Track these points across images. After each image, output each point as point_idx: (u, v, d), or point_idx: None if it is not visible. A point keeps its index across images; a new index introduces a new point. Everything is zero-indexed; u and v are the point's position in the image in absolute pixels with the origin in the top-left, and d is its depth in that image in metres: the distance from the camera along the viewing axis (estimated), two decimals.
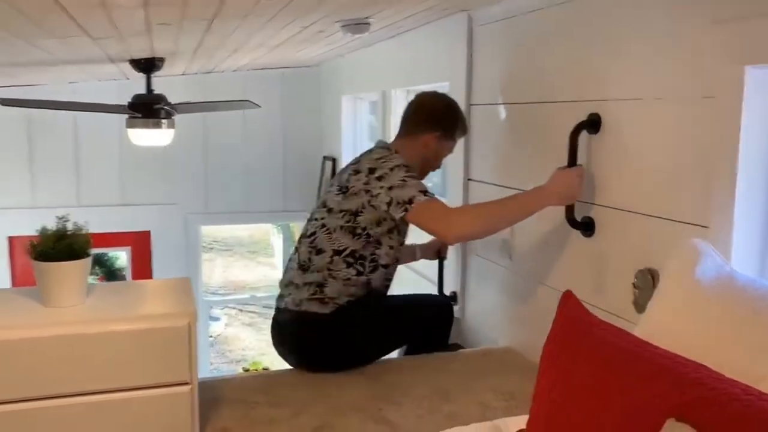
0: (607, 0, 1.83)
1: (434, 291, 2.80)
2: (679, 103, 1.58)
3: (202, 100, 4.04)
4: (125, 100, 3.64)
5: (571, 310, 1.23)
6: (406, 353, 2.40)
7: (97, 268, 6.88)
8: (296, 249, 2.29)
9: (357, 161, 2.23)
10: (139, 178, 4.88)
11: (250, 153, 5.07)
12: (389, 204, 2.03)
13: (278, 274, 11.67)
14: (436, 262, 2.76)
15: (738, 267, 1.32)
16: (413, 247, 2.67)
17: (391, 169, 2.07)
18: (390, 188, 2.04)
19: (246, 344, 10.14)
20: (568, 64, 2.00)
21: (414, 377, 2.10)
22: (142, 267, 4.98)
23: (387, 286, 2.28)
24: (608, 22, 1.82)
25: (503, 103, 2.39)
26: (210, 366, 6.36)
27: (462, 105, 2.61)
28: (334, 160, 4.74)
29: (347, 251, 2.13)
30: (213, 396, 1.93)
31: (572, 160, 1.88)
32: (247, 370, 5.85)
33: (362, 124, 4.48)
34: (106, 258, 6.90)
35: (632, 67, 1.73)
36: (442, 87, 3.03)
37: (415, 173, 2.12)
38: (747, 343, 1.09)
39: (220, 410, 1.85)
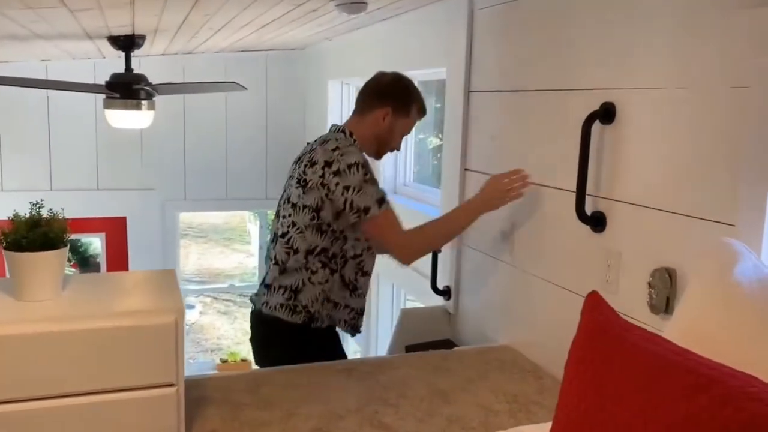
0: None
1: (427, 285, 2.70)
2: (705, 94, 1.49)
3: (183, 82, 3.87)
4: (101, 80, 3.47)
5: (599, 313, 1.14)
6: (406, 351, 2.31)
7: (69, 254, 6.67)
8: (271, 247, 2.26)
9: (312, 149, 2.16)
10: (115, 162, 4.70)
11: (231, 138, 4.92)
12: (345, 203, 2.05)
13: (254, 261, 11.55)
14: (430, 256, 2.66)
15: None
16: None
17: (349, 167, 2.05)
18: (346, 188, 2.04)
19: (221, 333, 9.99)
20: (579, 50, 1.90)
21: (410, 376, 2.00)
22: (118, 254, 4.82)
23: (364, 277, 2.22)
24: (625, 4, 1.72)
25: (505, 91, 2.28)
26: (186, 355, 6.21)
27: (460, 91, 2.51)
28: None
29: (318, 249, 2.11)
30: (198, 396, 1.81)
31: (584, 151, 1.78)
32: (224, 362, 5.71)
33: (349, 109, 4.34)
34: (79, 244, 6.69)
35: (652, 54, 1.64)
36: (438, 72, 2.93)
37: (369, 171, 2.09)
38: None
39: (206, 412, 1.73)
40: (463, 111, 2.51)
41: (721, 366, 0.95)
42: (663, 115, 1.61)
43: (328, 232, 2.10)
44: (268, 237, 2.34)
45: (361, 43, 3.73)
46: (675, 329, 1.19)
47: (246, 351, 8.47)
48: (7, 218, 1.54)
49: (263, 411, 1.75)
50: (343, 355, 2.27)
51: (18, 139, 4.52)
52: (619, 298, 1.74)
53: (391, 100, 2.22)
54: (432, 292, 2.70)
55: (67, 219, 1.58)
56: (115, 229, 4.83)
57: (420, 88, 3.36)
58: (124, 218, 4.80)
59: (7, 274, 1.54)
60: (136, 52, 3.45)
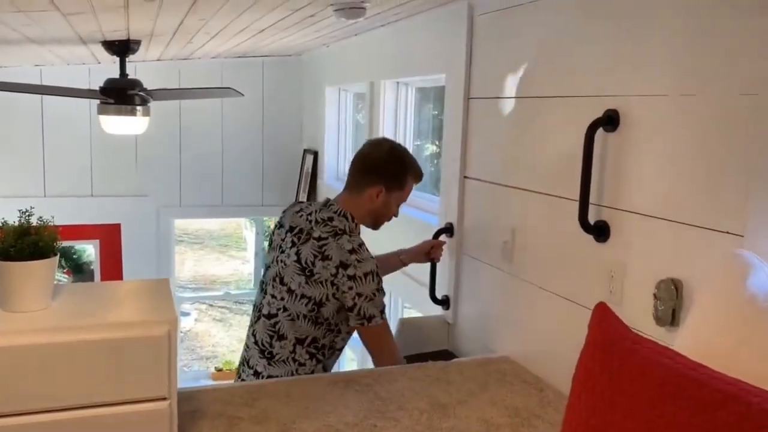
0: None
1: (426, 294, 2.66)
2: (713, 101, 1.45)
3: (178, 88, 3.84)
4: (96, 85, 3.42)
5: (608, 325, 1.10)
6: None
7: (63, 261, 6.60)
8: (253, 320, 2.24)
9: (320, 240, 2.12)
10: (109, 168, 4.66)
11: (227, 144, 4.88)
12: (354, 307, 2.09)
13: (250, 268, 11.45)
14: (428, 265, 2.62)
15: None
16: (397, 255, 2.57)
17: (365, 275, 2.08)
18: (359, 294, 2.08)
19: (216, 340, 9.92)
20: (582, 57, 1.87)
21: (408, 388, 1.96)
22: (112, 261, 4.76)
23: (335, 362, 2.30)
24: (630, 9, 1.69)
25: (506, 97, 2.25)
26: (180, 363, 6.16)
27: (460, 98, 2.48)
28: (315, 153, 4.57)
29: (309, 340, 2.13)
30: (192, 409, 1.76)
31: (587, 159, 1.74)
32: (219, 370, 5.65)
33: (347, 116, 4.32)
34: (73, 251, 6.63)
35: (656, 60, 1.60)
36: (437, 79, 2.90)
37: (381, 279, 2.14)
38: None
39: (199, 427, 1.68)
40: (462, 118, 2.48)
41: (737, 381, 0.91)
42: (668, 122, 1.58)
43: (324, 324, 2.12)
44: (256, 297, 2.32)
45: (358, 49, 3.70)
46: (685, 343, 1.15)
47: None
48: None
49: (259, 425, 1.70)
50: None
51: (11, 145, 4.47)
52: (623, 310, 1.70)
53: (384, 177, 2.22)
54: (430, 302, 2.66)
55: (58, 226, 1.53)
56: (110, 236, 4.78)
57: (417, 95, 3.37)
58: (119, 225, 4.75)
59: None
60: (131, 58, 3.41)
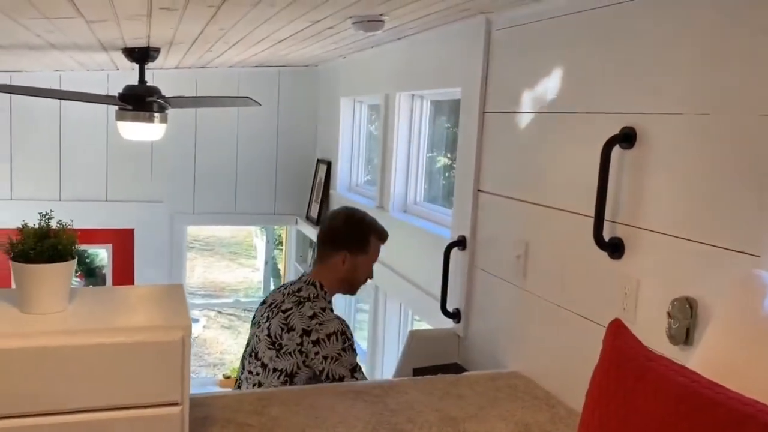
0: (646, 1, 1.71)
1: (436, 307, 2.66)
2: (729, 120, 1.46)
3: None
4: (115, 91, 3.46)
5: (623, 342, 1.09)
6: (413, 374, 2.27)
7: (76, 265, 6.64)
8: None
9: (287, 311, 2.17)
10: (124, 173, 4.70)
11: (241, 153, 4.91)
12: (322, 372, 2.11)
13: (260, 276, 11.47)
14: (440, 277, 2.62)
15: None
16: None
17: (328, 337, 2.12)
18: (325, 357, 2.11)
19: (224, 347, 9.93)
20: (599, 73, 1.88)
21: (418, 401, 1.95)
22: (124, 266, 4.80)
23: None
24: (648, 27, 1.70)
25: (522, 112, 2.26)
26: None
27: (476, 112, 2.49)
28: (329, 164, 4.59)
29: None
30: (202, 415, 1.76)
31: (603, 176, 1.75)
32: (227, 377, 5.65)
33: (361, 127, 4.34)
34: (86, 255, 6.67)
35: (674, 79, 1.61)
36: (453, 92, 2.91)
37: (348, 337, 2.15)
38: None
39: None
40: (477, 132, 2.49)
41: (755, 402, 0.91)
42: (685, 141, 1.58)
43: None
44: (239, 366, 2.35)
45: (375, 61, 3.72)
46: (701, 361, 1.14)
47: None
48: (16, 228, 1.51)
49: None
50: None
51: (29, 148, 4.53)
52: (636, 327, 1.68)
53: (346, 245, 2.29)
54: (440, 315, 2.65)
55: (77, 230, 1.55)
56: (123, 241, 4.81)
57: (431, 108, 3.39)
58: (132, 230, 4.78)
59: (13, 285, 1.51)
60: (149, 65, 3.45)
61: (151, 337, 1.46)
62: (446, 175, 3.41)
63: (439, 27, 2.76)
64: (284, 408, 1.86)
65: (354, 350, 2.17)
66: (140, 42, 3.00)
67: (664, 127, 1.63)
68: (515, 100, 2.29)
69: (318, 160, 4.85)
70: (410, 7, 2.21)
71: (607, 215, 1.78)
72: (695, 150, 1.55)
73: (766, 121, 1.36)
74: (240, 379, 2.31)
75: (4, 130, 4.46)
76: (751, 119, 1.40)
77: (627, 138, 1.73)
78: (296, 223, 5.02)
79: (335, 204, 4.47)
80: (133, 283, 4.65)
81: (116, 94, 3.40)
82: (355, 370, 2.14)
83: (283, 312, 2.19)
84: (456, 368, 2.54)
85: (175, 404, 1.47)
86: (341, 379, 2.11)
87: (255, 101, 3.26)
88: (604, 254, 1.81)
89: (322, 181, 4.65)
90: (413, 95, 3.38)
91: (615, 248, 1.78)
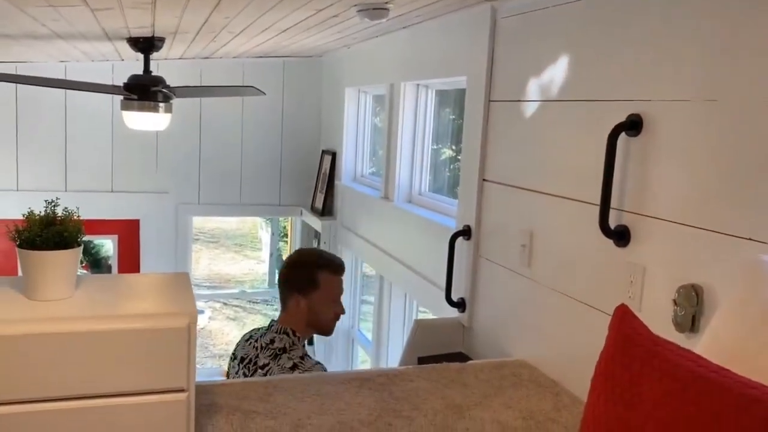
0: None
1: (441, 297, 2.66)
2: (738, 106, 1.45)
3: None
4: (120, 82, 3.46)
5: (628, 327, 1.09)
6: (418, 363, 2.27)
7: (82, 255, 6.67)
8: None
9: (264, 367, 2.17)
10: (130, 164, 4.71)
11: (246, 143, 4.91)
12: None
13: (265, 267, 11.49)
14: (444, 267, 2.62)
15: None
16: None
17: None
18: None
19: (230, 338, 9.97)
20: (605, 61, 1.87)
21: (423, 389, 1.96)
22: (129, 257, 4.81)
23: None
24: (654, 14, 1.68)
25: (527, 101, 2.25)
26: None
27: (481, 101, 2.48)
28: (333, 154, 4.59)
29: None
30: (208, 402, 1.77)
31: (609, 164, 1.74)
32: None
33: (365, 117, 4.33)
34: (91, 246, 6.70)
35: (681, 65, 1.60)
36: (458, 81, 2.90)
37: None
38: None
39: (216, 420, 1.69)
40: (483, 120, 2.48)
41: (761, 385, 0.90)
42: (691, 127, 1.57)
43: None
44: None
45: (379, 50, 3.71)
46: (707, 348, 1.14)
47: None
48: (21, 216, 1.52)
49: (274, 420, 1.71)
50: None
51: (35, 139, 4.54)
52: (642, 315, 1.67)
53: (294, 286, 2.29)
54: (445, 304, 2.65)
55: (82, 220, 1.55)
56: (128, 232, 4.82)
57: (436, 98, 3.37)
58: (137, 221, 4.79)
59: (20, 273, 1.52)
60: (154, 55, 3.45)
61: (158, 324, 1.46)
62: (451, 166, 3.41)
63: (444, 15, 2.74)
64: (290, 395, 1.86)
65: None
66: (145, 31, 2.99)
67: (671, 114, 1.63)
68: (521, 89, 2.27)
69: (323, 151, 4.85)
70: None
71: (613, 203, 1.77)
72: (702, 137, 1.54)
73: None
74: None
75: (9, 121, 4.47)
76: (757, 104, 1.39)
77: (633, 125, 1.72)
78: (301, 214, 5.02)
79: (340, 195, 4.48)
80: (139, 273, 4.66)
81: (121, 84, 3.40)
82: None
83: (261, 368, 2.18)
84: (461, 357, 2.54)
85: (181, 390, 1.48)
86: None
87: (260, 90, 3.26)
88: (610, 242, 1.80)
89: (327, 171, 4.64)
90: (418, 85, 3.37)
91: (621, 236, 1.77)
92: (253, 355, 2.24)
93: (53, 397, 1.40)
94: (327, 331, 2.37)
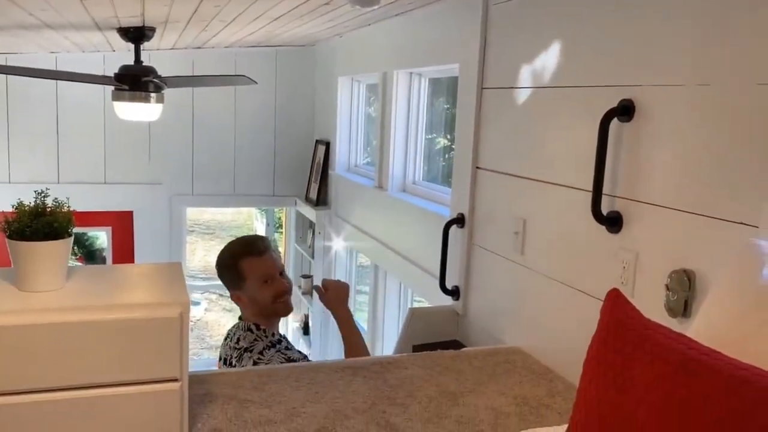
0: None
1: (435, 285, 2.66)
2: (729, 90, 1.44)
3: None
4: (110, 73, 3.44)
5: (620, 311, 1.09)
6: (413, 351, 2.27)
7: (75, 248, 6.65)
8: None
9: (235, 365, 2.19)
10: (123, 156, 4.68)
11: (239, 134, 4.89)
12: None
13: None
14: (439, 256, 2.62)
15: None
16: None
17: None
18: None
19: (225, 330, 9.96)
20: (597, 46, 1.86)
21: (417, 376, 1.96)
22: (124, 249, 4.80)
23: None
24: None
25: (520, 87, 2.24)
26: (190, 351, 6.18)
27: (474, 88, 2.48)
28: (327, 144, 4.57)
29: None
30: (203, 392, 1.77)
31: (601, 149, 1.74)
32: None
33: (359, 107, 4.31)
34: (85, 238, 6.68)
35: (672, 50, 1.59)
36: (450, 69, 2.89)
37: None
38: None
39: (210, 409, 1.69)
40: (475, 108, 2.47)
41: (751, 367, 0.90)
42: (683, 112, 1.57)
43: None
44: None
45: (372, 39, 3.69)
46: (700, 332, 1.14)
47: None
48: (11, 206, 1.51)
49: (268, 409, 1.71)
50: None
51: (26, 131, 4.50)
52: (634, 301, 1.67)
53: (229, 285, 2.30)
54: (440, 293, 2.66)
55: (72, 210, 1.54)
56: (122, 224, 4.81)
57: (429, 89, 3.36)
58: (131, 212, 4.77)
59: (11, 264, 1.51)
60: (145, 46, 3.42)
61: (150, 314, 1.46)
62: (446, 156, 3.40)
63: (436, 2, 2.73)
64: (284, 384, 1.86)
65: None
66: (135, 21, 2.97)
67: (664, 98, 1.62)
68: (513, 76, 2.27)
69: (317, 141, 4.83)
70: None
71: (606, 189, 1.77)
72: (694, 121, 1.54)
73: (764, 90, 1.35)
74: None
75: (0, 113, 4.44)
76: (749, 88, 1.39)
77: (625, 111, 1.72)
78: (295, 204, 5.01)
79: (334, 184, 4.47)
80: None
81: (112, 75, 3.37)
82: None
83: (232, 368, 2.19)
84: (455, 345, 2.55)
85: (175, 380, 1.48)
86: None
87: (251, 80, 3.24)
88: (603, 228, 1.80)
89: (321, 161, 4.63)
90: (411, 73, 3.35)
91: (613, 222, 1.78)
92: (229, 356, 2.25)
93: (45, 388, 1.39)
94: (276, 313, 2.31)
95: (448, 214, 2.70)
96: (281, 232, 6.43)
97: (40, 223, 1.44)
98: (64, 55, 4.34)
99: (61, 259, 1.51)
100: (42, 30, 3.09)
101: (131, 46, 3.37)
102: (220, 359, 2.36)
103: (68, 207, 1.53)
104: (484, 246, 2.48)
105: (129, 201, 4.72)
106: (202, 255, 12.64)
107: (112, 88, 3.39)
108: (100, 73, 3.75)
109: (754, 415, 0.82)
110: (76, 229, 1.54)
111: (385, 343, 3.65)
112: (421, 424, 1.67)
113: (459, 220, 2.59)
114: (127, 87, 3.31)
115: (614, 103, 1.74)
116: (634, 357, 1.00)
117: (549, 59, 2.08)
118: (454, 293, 2.62)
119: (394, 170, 3.46)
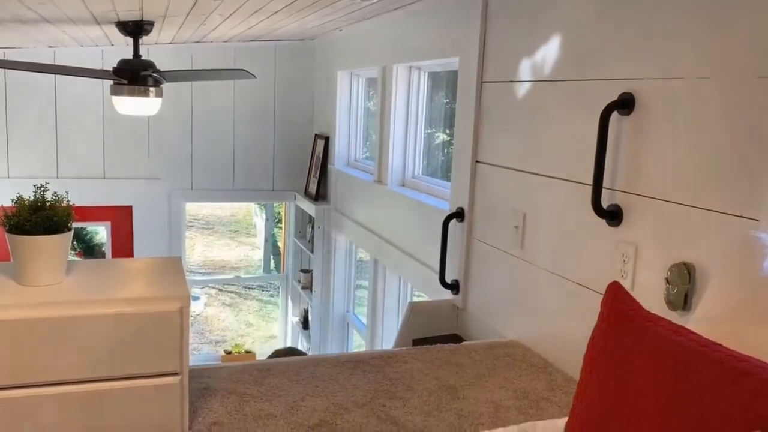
0: None
1: (435, 279, 2.66)
2: (730, 84, 1.44)
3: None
4: (109, 67, 3.43)
5: (620, 303, 1.09)
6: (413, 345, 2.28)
7: (75, 242, 6.65)
8: None
9: None
10: (122, 150, 4.67)
11: (239, 128, 4.88)
12: None
13: (260, 254, 11.48)
14: (438, 250, 2.62)
15: None
16: None
17: None
18: None
19: (225, 324, 9.99)
20: (597, 40, 1.85)
21: (417, 370, 1.97)
22: (123, 243, 4.80)
23: None
24: None
25: (519, 81, 2.24)
26: (190, 346, 6.19)
27: (473, 82, 2.47)
28: (327, 138, 4.57)
29: None
30: (203, 386, 1.78)
31: (602, 143, 1.73)
32: (229, 353, 5.69)
33: (358, 101, 4.30)
34: (85, 233, 6.68)
35: (672, 43, 1.59)
36: (449, 63, 2.88)
37: None
38: None
39: (210, 403, 1.69)
40: (475, 102, 2.47)
41: (750, 358, 0.91)
42: (683, 106, 1.56)
43: None
44: None
45: (371, 33, 3.68)
46: (700, 324, 1.14)
47: (249, 342, 8.44)
48: (11, 201, 1.51)
49: (268, 402, 1.71)
50: None
51: (25, 126, 4.50)
52: (634, 294, 1.67)
53: None
54: (439, 287, 2.66)
55: (72, 204, 1.54)
56: (121, 218, 4.80)
57: (429, 83, 3.36)
58: (130, 207, 4.77)
59: (11, 259, 1.51)
60: (144, 40, 3.41)
61: (149, 308, 1.46)
62: (445, 150, 3.39)
63: None
64: (284, 378, 1.87)
65: None
66: (134, 15, 2.96)
67: (664, 92, 1.62)
68: (513, 69, 2.26)
69: (316, 135, 4.83)
70: None
71: (606, 183, 1.77)
72: (694, 115, 1.53)
73: (763, 84, 1.34)
74: None
75: None
76: (749, 82, 1.38)
77: (625, 104, 1.72)
78: (295, 199, 5.01)
79: (333, 179, 4.46)
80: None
81: (111, 69, 3.36)
82: None
83: None
84: (455, 339, 2.55)
85: (175, 374, 1.48)
86: None
87: (250, 74, 3.23)
88: (602, 222, 1.80)
89: (320, 156, 4.62)
90: (410, 67, 3.34)
91: (613, 216, 1.77)
92: None
93: (45, 382, 1.39)
94: None
95: (448, 208, 2.70)
96: (280, 227, 6.43)
97: (40, 217, 1.45)
98: (63, 49, 4.33)
99: (61, 254, 1.51)
100: (40, 24, 3.08)
101: (130, 40, 3.36)
102: None
103: (67, 201, 1.53)
104: (483, 240, 2.48)
105: (128, 196, 4.72)
106: (202, 250, 12.64)
107: (111, 82, 3.38)
108: (98, 67, 3.75)
109: (754, 406, 0.82)
110: (75, 224, 1.54)
111: (385, 337, 3.65)
112: (421, 418, 1.67)
113: (458, 215, 2.59)
114: (125, 81, 3.30)
115: (614, 97, 1.74)
116: (635, 349, 1.00)
117: (549, 53, 2.08)
118: (454, 287, 2.62)
119: (393, 164, 3.46)
